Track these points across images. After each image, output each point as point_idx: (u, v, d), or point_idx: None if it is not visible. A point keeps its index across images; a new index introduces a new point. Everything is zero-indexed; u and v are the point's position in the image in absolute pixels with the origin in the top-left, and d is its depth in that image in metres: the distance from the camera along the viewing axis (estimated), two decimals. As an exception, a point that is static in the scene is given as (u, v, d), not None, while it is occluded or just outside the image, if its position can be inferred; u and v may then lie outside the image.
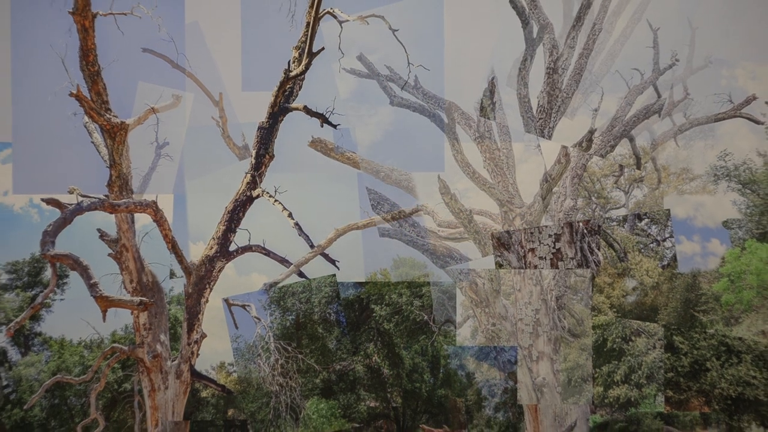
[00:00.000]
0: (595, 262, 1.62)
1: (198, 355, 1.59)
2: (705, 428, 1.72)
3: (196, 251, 1.58)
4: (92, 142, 1.59)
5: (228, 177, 1.59)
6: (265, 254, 1.65)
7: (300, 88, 1.62)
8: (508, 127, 1.61)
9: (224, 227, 1.63)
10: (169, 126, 1.57)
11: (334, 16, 1.57)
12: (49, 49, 1.39)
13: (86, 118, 1.48)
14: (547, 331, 1.57)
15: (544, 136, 1.59)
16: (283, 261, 1.68)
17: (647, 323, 1.73)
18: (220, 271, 1.65)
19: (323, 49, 1.54)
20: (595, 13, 1.58)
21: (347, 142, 1.55)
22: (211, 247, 1.64)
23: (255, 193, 1.61)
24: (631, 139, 1.77)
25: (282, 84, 1.55)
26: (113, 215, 1.52)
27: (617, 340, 1.78)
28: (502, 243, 1.58)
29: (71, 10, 1.45)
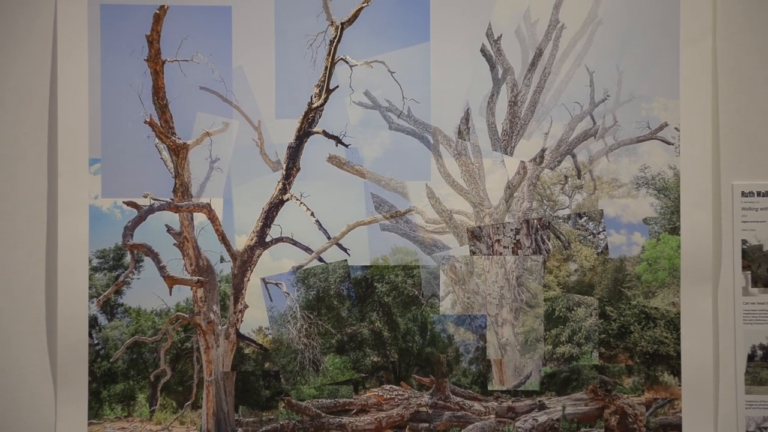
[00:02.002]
0: (546, 250, 1.62)
1: (242, 321, 1.59)
2: (629, 376, 1.69)
3: (240, 242, 1.59)
4: (161, 159, 1.58)
5: (264, 185, 1.59)
6: (292, 244, 1.65)
7: (320, 116, 1.61)
8: (479, 147, 1.60)
9: (261, 223, 1.64)
10: (220, 146, 1.56)
11: (346, 62, 1.57)
12: (129, 87, 1.40)
13: (157, 140, 1.48)
14: (509, 302, 1.58)
15: (507, 154, 1.58)
16: (307, 249, 1.67)
17: (585, 297, 1.68)
18: (258, 257, 1.65)
19: (338, 86, 1.55)
20: (545, 60, 1.57)
21: (356, 158, 1.54)
22: (252, 239, 1.64)
23: (285, 197, 1.61)
24: (573, 156, 1.73)
25: (306, 113, 1.56)
26: (177, 214, 1.54)
27: (563, 309, 1.73)
28: (475, 235, 1.58)
29: (146, 58, 1.48)
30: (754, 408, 1.48)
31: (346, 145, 1.52)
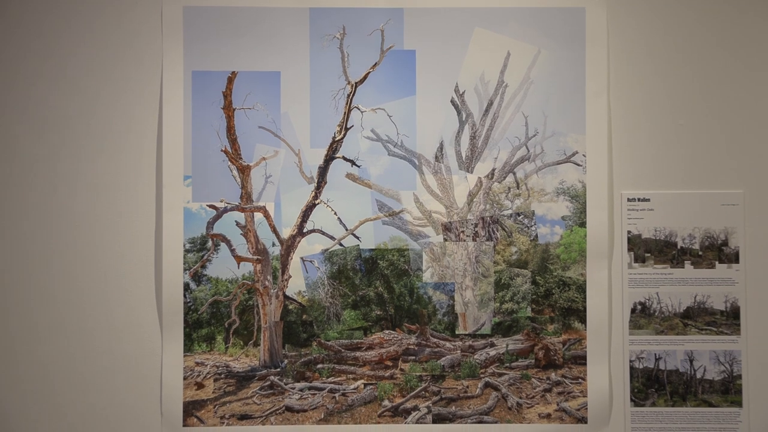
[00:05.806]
0: (495, 238, 1.64)
1: (287, 287, 1.61)
2: (551, 324, 1.69)
3: (286, 232, 1.61)
4: (232, 175, 1.60)
5: (303, 193, 1.61)
6: (322, 234, 1.67)
7: (340, 146, 1.63)
8: (450, 167, 1.62)
9: (300, 220, 1.66)
10: (272, 167, 1.58)
11: (359, 109, 1.59)
12: (211, 127, 1.43)
13: (229, 163, 1.50)
14: (470, 274, 1.59)
15: (468, 172, 1.60)
16: (331, 237, 1.68)
17: (522, 270, 1.67)
18: (298, 242, 1.67)
19: (353, 126, 1.57)
20: (494, 108, 1.60)
21: (365, 175, 1.56)
22: (294, 230, 1.66)
23: (317, 202, 1.63)
24: (514, 174, 1.73)
25: (331, 144, 1.58)
26: (243, 213, 1.56)
27: (507, 279, 1.72)
28: (446, 228, 1.60)
29: (222, 107, 1.51)
30: (635, 345, 1.51)
31: (359, 166, 1.56)
